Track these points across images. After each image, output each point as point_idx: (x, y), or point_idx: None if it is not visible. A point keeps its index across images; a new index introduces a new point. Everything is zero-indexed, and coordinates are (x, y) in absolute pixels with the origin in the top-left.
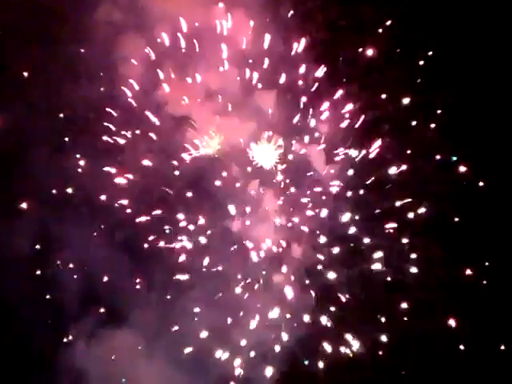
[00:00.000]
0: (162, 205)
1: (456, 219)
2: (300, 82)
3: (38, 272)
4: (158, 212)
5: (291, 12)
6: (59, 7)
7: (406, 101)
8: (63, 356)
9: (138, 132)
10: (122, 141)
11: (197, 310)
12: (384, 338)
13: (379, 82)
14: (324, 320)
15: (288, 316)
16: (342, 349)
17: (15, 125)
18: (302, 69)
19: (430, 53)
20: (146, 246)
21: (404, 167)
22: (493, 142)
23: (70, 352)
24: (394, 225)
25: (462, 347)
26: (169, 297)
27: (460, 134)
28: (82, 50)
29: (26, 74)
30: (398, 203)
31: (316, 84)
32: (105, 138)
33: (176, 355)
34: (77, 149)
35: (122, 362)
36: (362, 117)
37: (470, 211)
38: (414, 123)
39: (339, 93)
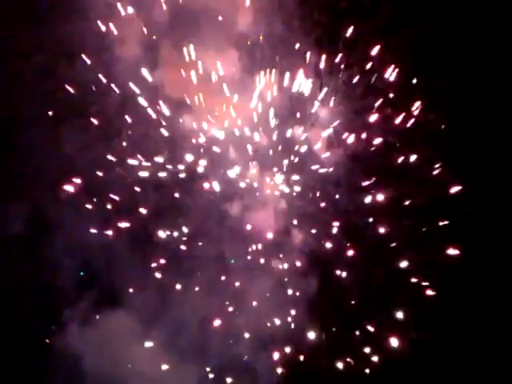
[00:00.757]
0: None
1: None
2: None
3: (33, 254)
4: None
5: None
6: None
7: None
8: (59, 340)
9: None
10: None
11: (195, 294)
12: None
13: (381, 67)
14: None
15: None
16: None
17: (9, 106)
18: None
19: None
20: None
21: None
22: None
23: (66, 336)
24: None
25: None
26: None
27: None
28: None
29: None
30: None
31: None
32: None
33: (174, 340)
34: (72, 132)
35: (118, 347)
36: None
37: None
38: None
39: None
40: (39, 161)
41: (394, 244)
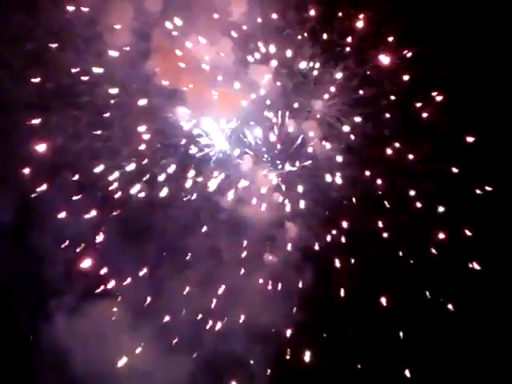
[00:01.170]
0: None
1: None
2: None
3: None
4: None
5: None
6: None
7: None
8: (46, 332)
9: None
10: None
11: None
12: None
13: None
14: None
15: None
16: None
17: None
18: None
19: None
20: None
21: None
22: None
23: (54, 328)
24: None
25: None
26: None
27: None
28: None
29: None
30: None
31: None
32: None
33: (165, 334)
34: (62, 119)
35: (107, 338)
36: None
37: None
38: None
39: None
40: (27, 149)
41: (389, 237)
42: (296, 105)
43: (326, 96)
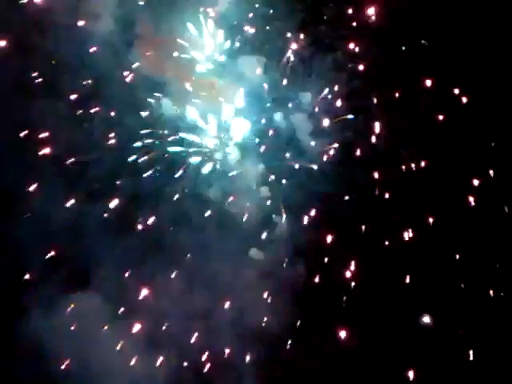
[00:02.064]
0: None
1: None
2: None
3: None
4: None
5: None
6: None
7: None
8: (23, 325)
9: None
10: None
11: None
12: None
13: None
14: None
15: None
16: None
17: None
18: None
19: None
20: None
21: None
22: None
23: (30, 321)
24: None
25: None
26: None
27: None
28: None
29: None
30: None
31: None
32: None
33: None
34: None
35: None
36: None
37: None
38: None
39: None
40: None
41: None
42: (285, 98)
43: (316, 89)
